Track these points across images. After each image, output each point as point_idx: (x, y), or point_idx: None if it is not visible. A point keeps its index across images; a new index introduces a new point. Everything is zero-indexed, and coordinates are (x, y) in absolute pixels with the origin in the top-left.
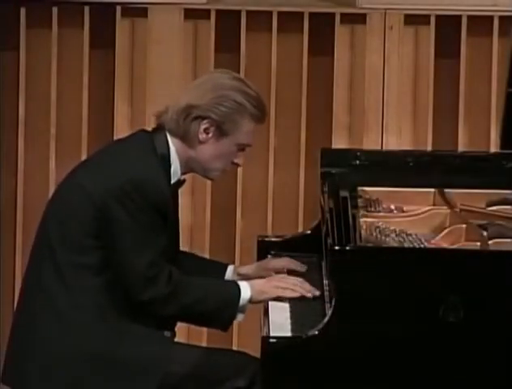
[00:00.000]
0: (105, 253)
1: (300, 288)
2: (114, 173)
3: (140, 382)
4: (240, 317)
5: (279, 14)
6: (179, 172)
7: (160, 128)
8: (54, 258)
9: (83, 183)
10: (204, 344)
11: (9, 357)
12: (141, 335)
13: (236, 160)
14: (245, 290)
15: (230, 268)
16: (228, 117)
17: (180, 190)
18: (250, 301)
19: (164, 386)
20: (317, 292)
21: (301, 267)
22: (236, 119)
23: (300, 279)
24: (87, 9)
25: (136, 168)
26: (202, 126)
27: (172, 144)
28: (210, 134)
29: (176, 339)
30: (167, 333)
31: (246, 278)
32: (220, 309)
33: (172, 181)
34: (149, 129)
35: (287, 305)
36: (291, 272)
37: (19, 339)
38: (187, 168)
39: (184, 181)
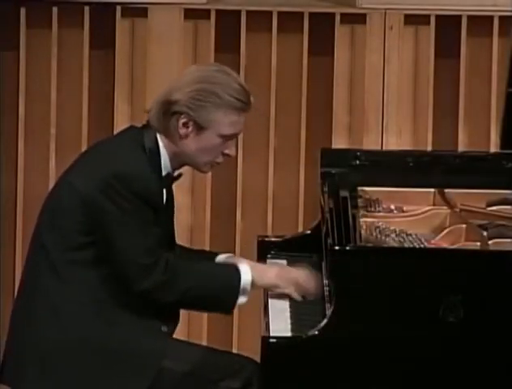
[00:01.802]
0: (99, 248)
1: (298, 292)
2: (100, 168)
3: (135, 376)
4: (242, 300)
5: (279, 14)
6: (169, 165)
7: (148, 124)
8: (48, 257)
9: (70, 180)
10: (204, 343)
11: (6, 357)
12: (137, 330)
13: (226, 151)
14: (246, 272)
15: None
16: (204, 110)
17: (180, 190)
18: (252, 283)
19: (158, 381)
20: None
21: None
22: (211, 111)
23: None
24: (87, 9)
25: (121, 162)
26: (181, 121)
27: (160, 139)
28: (190, 129)
29: (176, 338)
30: (164, 328)
31: None
32: (221, 293)
33: (163, 174)
34: (139, 125)
35: (287, 306)
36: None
37: (16, 338)
38: (177, 162)
39: (179, 176)
